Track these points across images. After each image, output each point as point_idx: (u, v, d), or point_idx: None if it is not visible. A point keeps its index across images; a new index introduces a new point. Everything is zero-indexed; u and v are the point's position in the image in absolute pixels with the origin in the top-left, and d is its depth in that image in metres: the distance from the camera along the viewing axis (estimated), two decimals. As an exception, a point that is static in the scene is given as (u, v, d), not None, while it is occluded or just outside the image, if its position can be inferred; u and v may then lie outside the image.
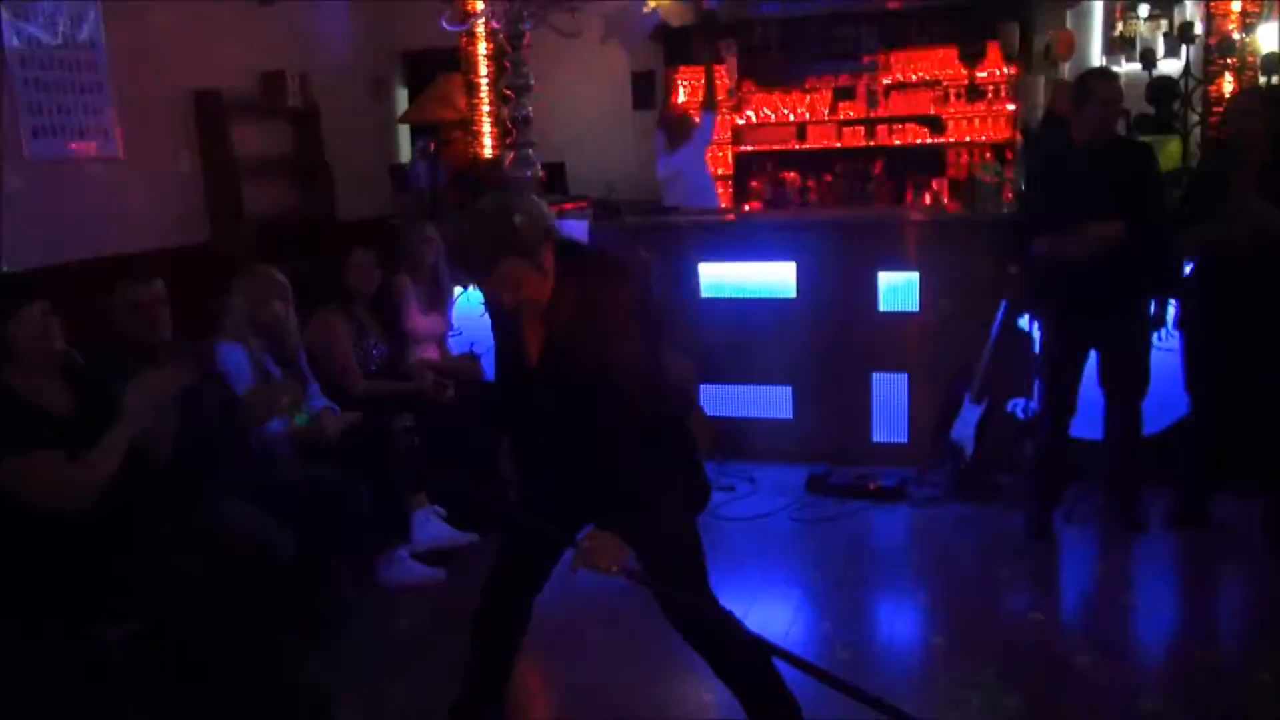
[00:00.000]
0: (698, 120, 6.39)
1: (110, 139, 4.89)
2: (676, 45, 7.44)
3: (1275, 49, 5.22)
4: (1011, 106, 6.89)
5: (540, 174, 5.55)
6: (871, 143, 7.39)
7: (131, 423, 2.83)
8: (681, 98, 7.46)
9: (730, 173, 7.65)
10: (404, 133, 7.62)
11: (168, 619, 2.78)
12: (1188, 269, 4.12)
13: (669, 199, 6.17)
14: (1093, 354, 4.10)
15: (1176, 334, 4.24)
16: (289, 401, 3.44)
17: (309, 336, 4.20)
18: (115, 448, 2.79)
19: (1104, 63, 6.54)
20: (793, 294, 5.07)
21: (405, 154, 7.41)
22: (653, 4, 7.12)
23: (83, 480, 2.73)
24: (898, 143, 7.34)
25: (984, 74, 7.05)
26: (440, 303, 4.87)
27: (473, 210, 2.47)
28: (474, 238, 2.40)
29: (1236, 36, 5.03)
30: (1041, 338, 4.27)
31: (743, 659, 2.57)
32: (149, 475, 2.96)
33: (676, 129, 6.30)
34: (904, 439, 5.00)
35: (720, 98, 6.72)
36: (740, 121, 7.65)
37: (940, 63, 7.18)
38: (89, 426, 2.83)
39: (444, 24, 5.61)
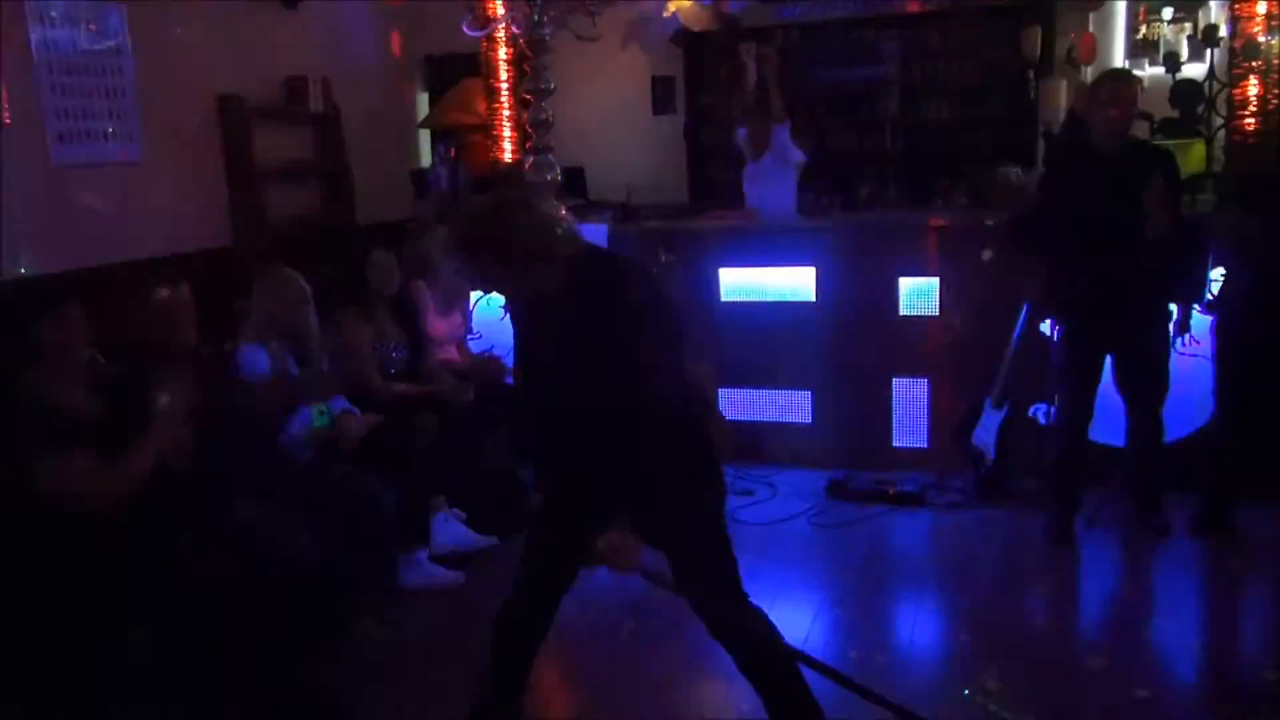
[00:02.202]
0: None
1: (134, 143, 4.92)
2: (697, 50, 7.44)
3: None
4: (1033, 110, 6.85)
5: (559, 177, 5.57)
6: (892, 146, 7.36)
7: (166, 426, 2.85)
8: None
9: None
10: (424, 137, 7.65)
11: (189, 621, 2.79)
12: (1219, 276, 4.09)
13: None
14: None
15: (1200, 341, 4.21)
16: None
17: (329, 339, 4.22)
18: (149, 450, 2.81)
19: (1127, 66, 6.49)
20: (813, 298, 5.06)
21: (426, 159, 7.43)
22: (673, 8, 7.12)
23: (114, 482, 2.75)
24: (918, 146, 7.31)
25: (1005, 77, 7.01)
26: (456, 305, 4.89)
27: (475, 200, 2.50)
28: (460, 222, 2.43)
29: (1262, 39, 4.98)
30: (1058, 342, 4.25)
31: (768, 657, 2.57)
32: (170, 477, 2.98)
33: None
34: (924, 444, 4.99)
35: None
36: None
37: (961, 66, 7.15)
38: (113, 430, 2.85)
39: (465, 29, 5.63)
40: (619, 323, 2.33)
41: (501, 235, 2.32)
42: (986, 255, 4.73)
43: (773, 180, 5.91)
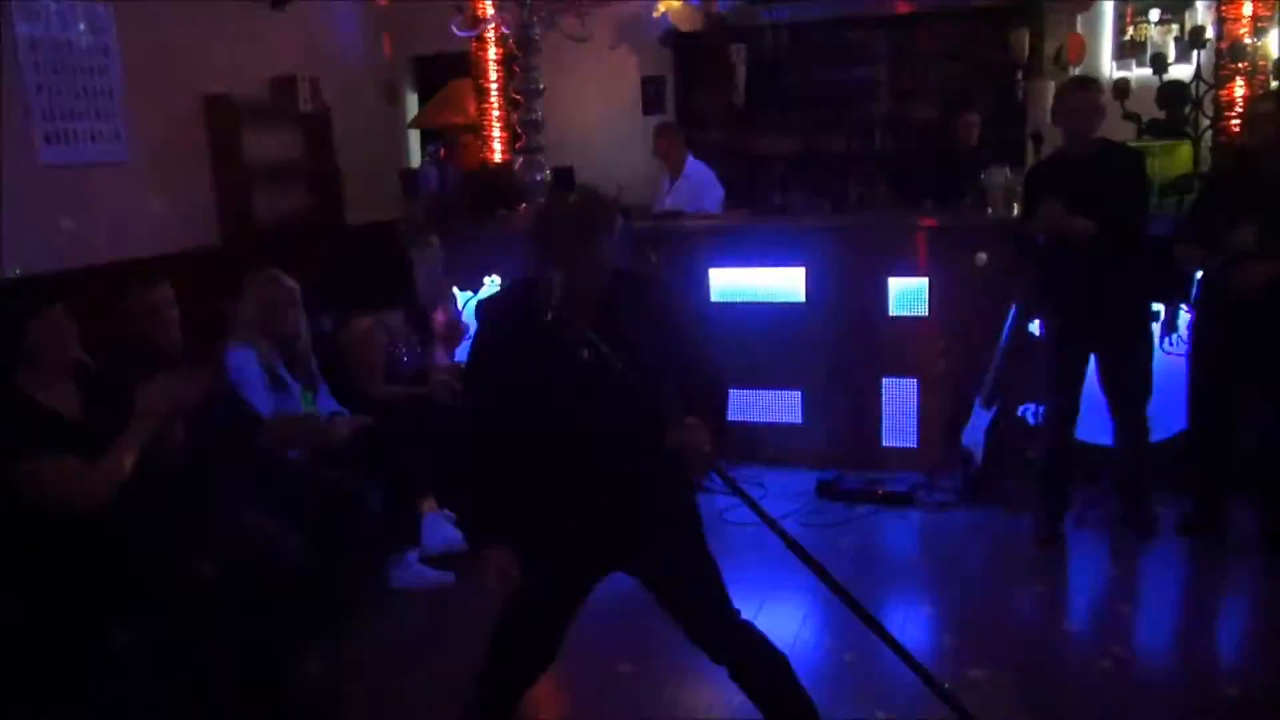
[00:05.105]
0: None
1: (122, 143, 4.91)
2: (686, 50, 7.44)
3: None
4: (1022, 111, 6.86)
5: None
6: (881, 148, 7.38)
7: (145, 424, 2.83)
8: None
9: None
10: (414, 137, 7.64)
11: (177, 621, 2.78)
12: (1197, 278, 4.11)
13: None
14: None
15: (1187, 342, 4.24)
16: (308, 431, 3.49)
17: (344, 340, 4.20)
18: (129, 448, 2.80)
19: (1114, 67, 6.53)
20: (802, 299, 5.07)
21: (415, 159, 7.42)
22: (662, 8, 7.12)
23: (97, 481, 2.74)
24: (907, 147, 7.32)
25: (993, 78, 7.03)
26: (438, 305, 4.86)
27: (566, 195, 2.55)
28: (577, 214, 2.42)
29: (1248, 41, 5.01)
30: (1043, 341, 4.26)
31: (762, 671, 2.56)
32: (160, 478, 2.97)
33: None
34: (914, 444, 5.00)
35: None
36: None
37: (949, 67, 7.16)
38: (101, 430, 2.84)
39: (455, 29, 5.62)
40: (654, 332, 2.37)
41: (600, 223, 2.37)
42: (981, 258, 4.74)
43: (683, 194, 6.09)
